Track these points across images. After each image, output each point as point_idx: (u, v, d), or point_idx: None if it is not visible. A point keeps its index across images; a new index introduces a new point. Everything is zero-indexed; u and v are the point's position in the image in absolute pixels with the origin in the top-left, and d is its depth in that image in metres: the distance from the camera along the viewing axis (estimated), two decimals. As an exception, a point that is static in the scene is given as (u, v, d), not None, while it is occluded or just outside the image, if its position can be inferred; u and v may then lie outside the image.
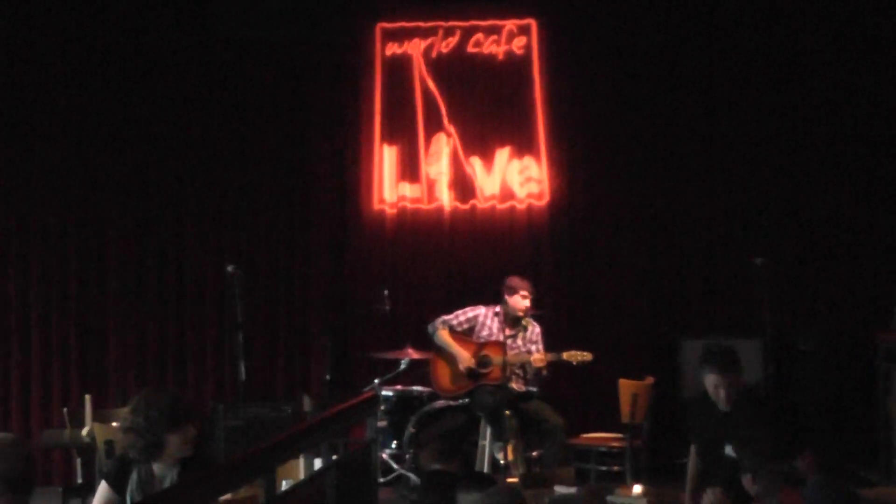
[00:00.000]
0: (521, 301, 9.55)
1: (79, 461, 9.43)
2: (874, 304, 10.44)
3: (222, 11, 10.76)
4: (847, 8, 10.76)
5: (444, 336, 9.65)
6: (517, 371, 9.53)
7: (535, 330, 9.68)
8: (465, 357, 9.55)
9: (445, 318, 9.74)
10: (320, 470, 5.95)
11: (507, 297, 9.57)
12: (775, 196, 10.75)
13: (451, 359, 9.63)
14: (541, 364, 9.36)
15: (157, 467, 5.48)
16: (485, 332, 9.67)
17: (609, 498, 7.38)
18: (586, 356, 9.33)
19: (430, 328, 9.74)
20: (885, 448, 9.66)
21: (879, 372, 9.78)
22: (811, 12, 10.78)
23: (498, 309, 9.64)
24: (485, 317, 9.74)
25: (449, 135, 10.94)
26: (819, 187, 10.72)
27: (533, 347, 9.59)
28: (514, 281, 9.61)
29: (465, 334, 9.71)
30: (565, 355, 9.33)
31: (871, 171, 10.68)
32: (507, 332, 9.51)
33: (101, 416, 9.03)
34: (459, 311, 9.78)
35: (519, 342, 9.59)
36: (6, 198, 10.92)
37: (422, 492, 7.50)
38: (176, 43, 10.93)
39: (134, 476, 5.49)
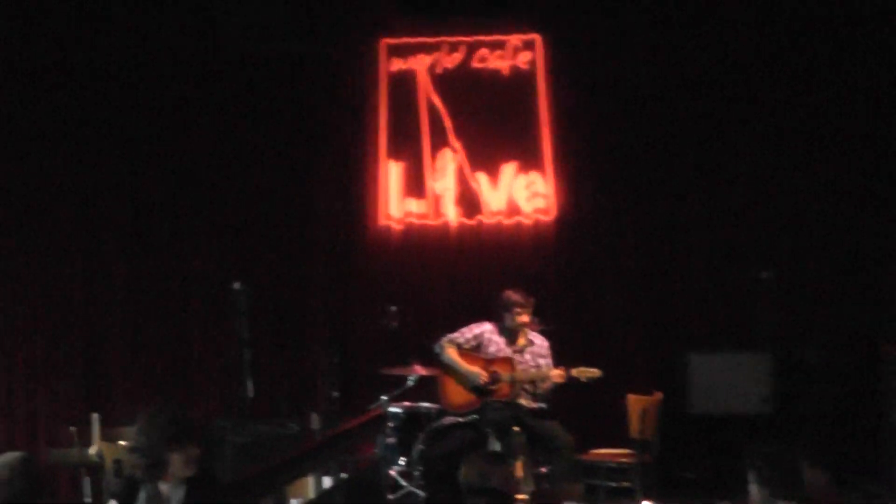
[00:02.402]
0: (516, 317, 9.47)
1: (87, 480, 9.40)
2: (880, 315, 10.43)
3: (228, 26, 10.76)
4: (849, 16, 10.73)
5: (451, 355, 9.56)
6: (526, 387, 9.47)
7: (543, 345, 9.62)
8: (476, 372, 9.46)
9: (451, 336, 9.62)
10: (330, 488, 5.94)
11: (503, 313, 9.52)
12: (781, 209, 10.73)
13: (458, 376, 9.56)
14: (560, 380, 9.28)
15: (163, 487, 5.44)
16: (492, 349, 9.58)
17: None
18: (595, 373, 9.26)
19: (436, 348, 9.62)
20: (889, 460, 9.64)
21: (885, 383, 9.77)
22: (817, 20, 10.72)
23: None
24: (491, 332, 9.63)
25: (454, 150, 10.92)
26: (824, 200, 10.69)
27: (542, 362, 9.52)
28: (508, 296, 9.52)
29: (473, 351, 9.63)
30: (574, 372, 9.26)
31: (878, 182, 10.65)
32: (516, 346, 9.48)
33: (108, 435, 9.02)
34: (465, 329, 9.68)
35: (527, 357, 9.52)
36: (6, 212, 10.91)
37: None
38: (181, 57, 10.93)
39: (142, 495, 5.46)
